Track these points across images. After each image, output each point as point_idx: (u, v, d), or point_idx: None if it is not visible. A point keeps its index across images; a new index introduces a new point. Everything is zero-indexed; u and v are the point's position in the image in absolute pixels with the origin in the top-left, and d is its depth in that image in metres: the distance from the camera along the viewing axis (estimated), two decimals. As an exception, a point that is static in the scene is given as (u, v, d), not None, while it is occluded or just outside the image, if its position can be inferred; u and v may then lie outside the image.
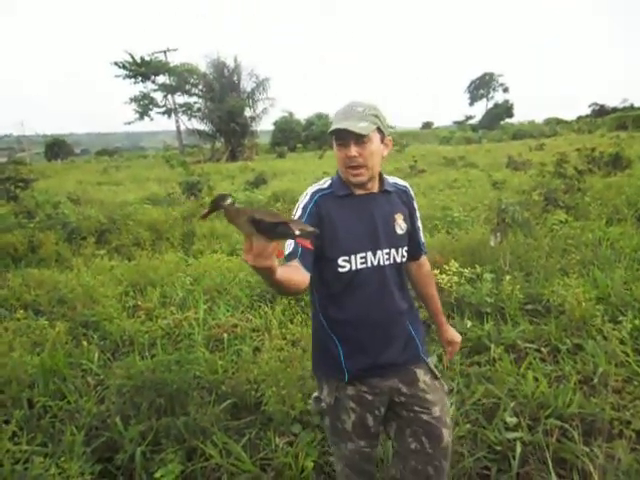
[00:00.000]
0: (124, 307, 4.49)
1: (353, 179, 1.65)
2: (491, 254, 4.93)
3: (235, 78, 36.28)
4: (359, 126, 1.58)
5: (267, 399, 2.73)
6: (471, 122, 63.07)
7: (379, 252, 1.68)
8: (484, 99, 68.33)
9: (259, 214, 1.13)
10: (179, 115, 37.19)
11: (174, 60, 40.08)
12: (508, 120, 58.37)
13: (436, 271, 4.09)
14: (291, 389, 2.75)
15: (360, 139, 1.60)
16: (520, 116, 63.58)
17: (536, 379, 2.94)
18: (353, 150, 1.60)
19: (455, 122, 65.89)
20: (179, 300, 4.62)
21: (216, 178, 17.51)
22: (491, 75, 69.02)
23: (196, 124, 36.93)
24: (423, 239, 1.94)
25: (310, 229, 1.17)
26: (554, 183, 8.40)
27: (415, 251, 1.87)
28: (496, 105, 61.50)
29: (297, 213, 1.67)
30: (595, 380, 2.93)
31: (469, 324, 3.65)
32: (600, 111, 63.80)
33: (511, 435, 2.53)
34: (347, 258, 1.65)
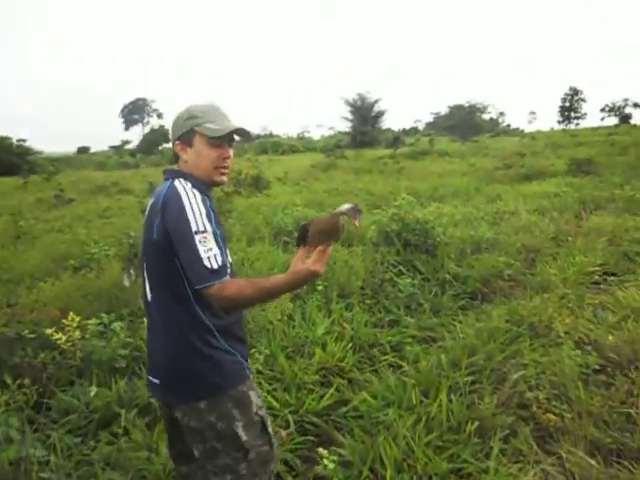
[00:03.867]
0: None
1: (220, 178, 1.59)
2: (129, 295, 4.34)
3: None
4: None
5: None
6: (128, 147, 61.33)
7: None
8: (139, 124, 67.85)
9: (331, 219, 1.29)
10: None
11: None
12: (166, 145, 59.44)
13: (51, 330, 3.23)
14: None
15: (232, 142, 1.59)
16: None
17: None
18: (230, 151, 1.57)
19: (112, 147, 62.90)
20: None
21: None
22: (144, 100, 69.20)
23: None
24: None
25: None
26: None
27: None
28: (152, 130, 61.67)
29: (203, 226, 1.42)
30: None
31: (94, 391, 2.94)
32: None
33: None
34: (229, 259, 1.56)
